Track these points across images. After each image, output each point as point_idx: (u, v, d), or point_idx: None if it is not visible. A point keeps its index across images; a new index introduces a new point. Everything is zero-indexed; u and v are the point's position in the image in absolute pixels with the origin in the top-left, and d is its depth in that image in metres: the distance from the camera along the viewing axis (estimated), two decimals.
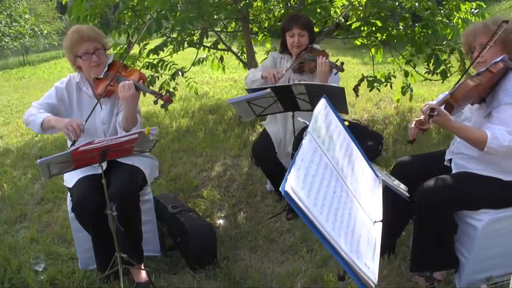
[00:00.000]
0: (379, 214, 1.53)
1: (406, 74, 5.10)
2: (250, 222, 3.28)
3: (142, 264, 2.74)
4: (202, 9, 4.08)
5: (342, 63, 3.07)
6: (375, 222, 1.49)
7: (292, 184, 1.12)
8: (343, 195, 1.35)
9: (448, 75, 4.71)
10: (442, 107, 2.20)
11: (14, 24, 19.30)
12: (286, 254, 2.90)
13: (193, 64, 5.79)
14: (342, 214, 1.29)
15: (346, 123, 1.70)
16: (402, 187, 2.01)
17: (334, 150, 1.48)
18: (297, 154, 1.25)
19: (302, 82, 2.64)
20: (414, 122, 2.19)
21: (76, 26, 2.77)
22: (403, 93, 5.22)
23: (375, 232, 1.44)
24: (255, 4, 5.47)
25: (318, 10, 4.90)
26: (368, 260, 1.29)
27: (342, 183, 1.40)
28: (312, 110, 1.64)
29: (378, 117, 5.64)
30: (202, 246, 2.76)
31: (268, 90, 2.59)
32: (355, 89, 4.89)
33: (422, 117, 2.16)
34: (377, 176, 1.75)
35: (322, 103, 1.59)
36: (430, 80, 5.03)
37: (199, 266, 2.76)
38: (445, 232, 2.48)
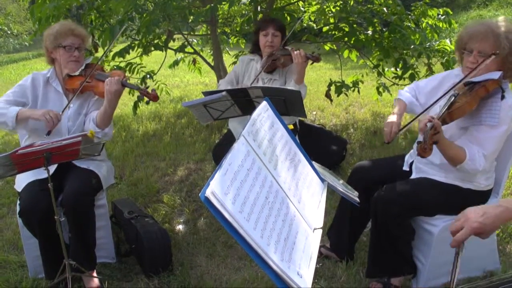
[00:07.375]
0: (320, 221, 1.48)
1: (379, 74, 5.11)
2: (210, 228, 3.20)
3: (95, 271, 2.66)
4: (168, 11, 4.00)
5: (319, 54, 3.09)
6: (315, 229, 1.44)
7: (214, 189, 1.06)
8: (277, 202, 1.30)
9: (416, 79, 4.71)
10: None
11: None
12: (243, 260, 2.84)
13: (169, 66, 5.72)
14: (274, 221, 1.23)
15: (291, 126, 1.65)
16: (354, 193, 1.96)
17: (272, 154, 1.43)
18: (225, 158, 1.19)
19: (258, 85, 2.59)
20: (416, 149, 2.08)
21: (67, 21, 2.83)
22: (379, 93, 5.24)
23: (314, 240, 1.39)
24: (225, 7, 5.43)
25: (286, 16, 4.90)
26: (302, 269, 1.23)
27: (278, 188, 1.35)
28: None
29: (347, 122, 5.62)
30: (156, 252, 2.69)
31: (224, 93, 2.53)
32: (327, 95, 4.86)
33: (421, 137, 2.04)
34: (322, 181, 1.70)
35: (263, 105, 1.54)
36: (398, 84, 5.03)
37: (154, 272, 2.69)
38: (401, 238, 2.45)
